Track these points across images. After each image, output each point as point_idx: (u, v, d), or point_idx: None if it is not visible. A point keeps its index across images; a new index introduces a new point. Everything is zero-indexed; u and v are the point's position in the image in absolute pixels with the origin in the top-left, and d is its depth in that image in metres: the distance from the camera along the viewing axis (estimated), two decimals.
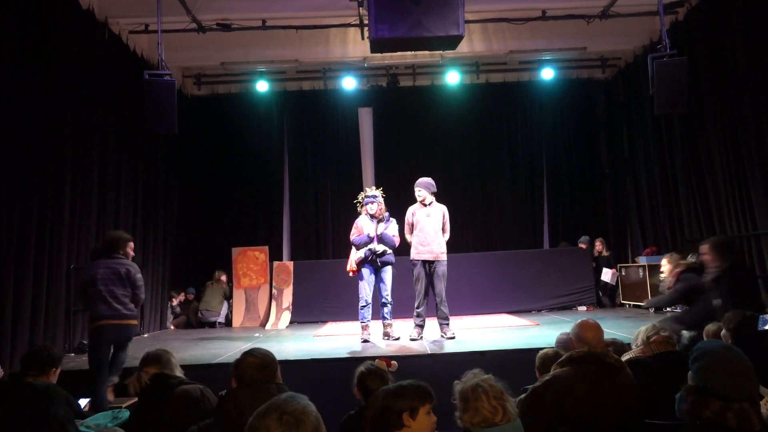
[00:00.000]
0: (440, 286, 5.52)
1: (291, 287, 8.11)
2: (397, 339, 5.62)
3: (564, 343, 3.09)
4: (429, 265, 5.58)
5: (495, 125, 10.09)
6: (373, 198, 5.78)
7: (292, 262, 8.44)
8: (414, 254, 5.60)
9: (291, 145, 9.98)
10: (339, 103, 9.88)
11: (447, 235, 5.76)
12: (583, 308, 8.13)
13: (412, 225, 5.70)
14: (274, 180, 9.87)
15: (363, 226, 5.72)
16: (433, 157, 9.68)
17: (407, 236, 5.76)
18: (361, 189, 9.15)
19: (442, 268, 5.54)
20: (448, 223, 5.78)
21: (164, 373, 2.74)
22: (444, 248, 5.62)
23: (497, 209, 9.98)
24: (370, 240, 5.61)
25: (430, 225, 5.60)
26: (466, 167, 9.97)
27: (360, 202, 5.93)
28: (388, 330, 5.70)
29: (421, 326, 5.62)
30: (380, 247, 5.60)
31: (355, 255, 5.69)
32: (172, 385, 2.62)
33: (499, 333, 6.00)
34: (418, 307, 5.61)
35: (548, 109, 10.03)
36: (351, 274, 5.83)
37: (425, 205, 5.67)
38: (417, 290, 5.60)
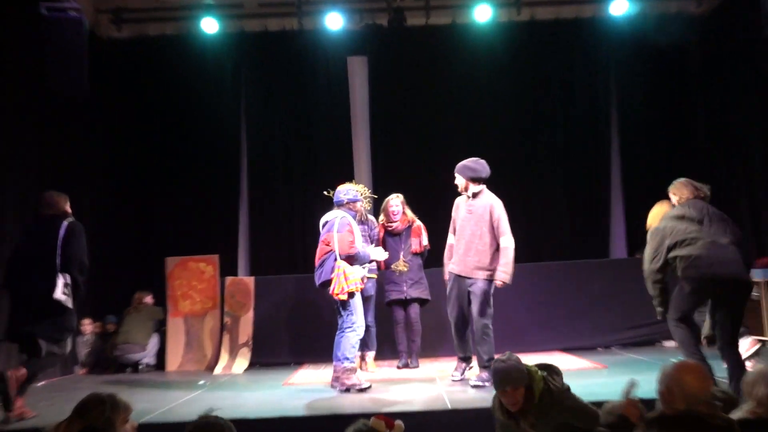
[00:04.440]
0: (474, 310, 5.69)
1: (251, 314, 8.11)
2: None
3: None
4: (462, 282, 5.77)
5: (543, 81, 10.06)
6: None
7: (252, 278, 8.46)
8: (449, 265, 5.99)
9: (251, 109, 9.97)
10: (320, 50, 9.86)
11: (503, 239, 5.78)
12: (670, 344, 7.97)
13: (455, 222, 5.99)
14: (228, 159, 9.88)
15: (357, 235, 5.92)
16: (451, 127, 9.67)
17: (450, 237, 6.05)
18: (349, 169, 9.25)
19: (477, 287, 5.68)
20: (501, 221, 5.76)
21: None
22: (481, 262, 5.69)
23: (545, 200, 9.98)
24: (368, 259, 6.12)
25: (468, 226, 5.73)
26: (500, 141, 9.87)
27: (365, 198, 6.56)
28: (367, 362, 6.91)
29: (464, 360, 5.99)
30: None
31: (359, 273, 5.84)
32: None
33: None
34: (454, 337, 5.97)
35: (620, 59, 9.94)
36: (345, 297, 5.80)
37: (469, 197, 5.82)
38: (449, 314, 5.92)
